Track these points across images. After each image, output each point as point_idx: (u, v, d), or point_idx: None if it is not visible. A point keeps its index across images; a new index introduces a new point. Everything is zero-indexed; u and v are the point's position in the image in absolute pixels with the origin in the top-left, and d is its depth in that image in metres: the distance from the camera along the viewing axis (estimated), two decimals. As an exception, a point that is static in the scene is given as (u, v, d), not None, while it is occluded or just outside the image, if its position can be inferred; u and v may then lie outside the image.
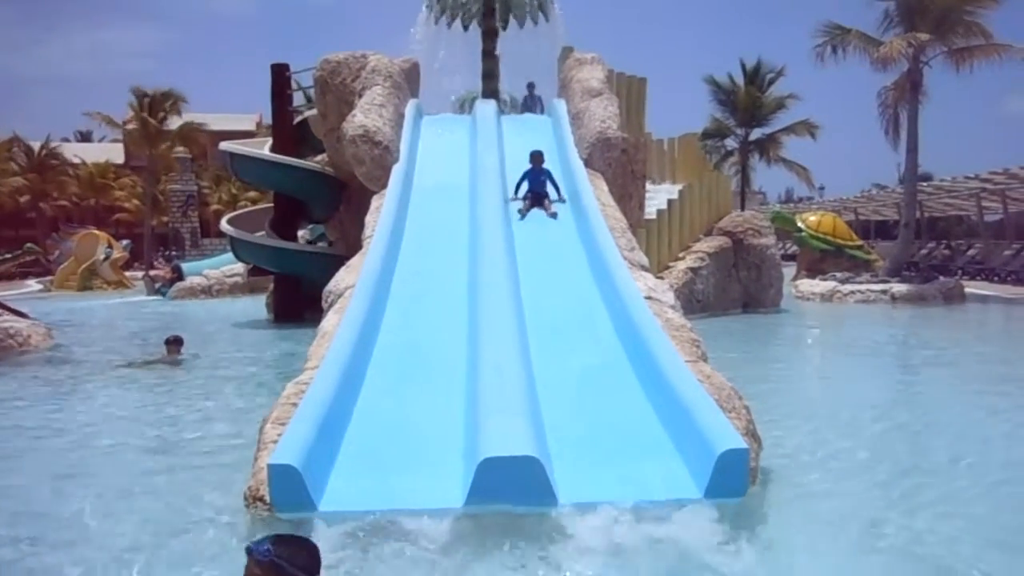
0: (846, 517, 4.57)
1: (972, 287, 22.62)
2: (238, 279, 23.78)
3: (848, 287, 20.27)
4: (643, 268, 8.37)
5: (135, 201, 45.88)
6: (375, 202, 10.02)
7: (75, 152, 48.94)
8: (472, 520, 4.25)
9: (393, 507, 4.32)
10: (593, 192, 9.74)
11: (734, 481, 4.47)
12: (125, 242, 31.88)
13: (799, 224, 24.37)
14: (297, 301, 15.07)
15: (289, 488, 4.34)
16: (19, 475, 5.76)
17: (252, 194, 40.50)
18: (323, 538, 4.08)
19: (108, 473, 5.72)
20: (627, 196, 14.30)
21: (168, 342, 10.66)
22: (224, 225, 17.13)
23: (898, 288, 19.77)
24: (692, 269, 16.17)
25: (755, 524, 4.26)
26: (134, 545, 4.28)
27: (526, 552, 3.93)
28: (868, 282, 20.61)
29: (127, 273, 29.96)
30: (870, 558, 3.97)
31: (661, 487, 4.57)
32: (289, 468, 4.36)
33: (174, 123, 39.17)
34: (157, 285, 24.75)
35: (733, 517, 4.26)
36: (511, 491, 4.38)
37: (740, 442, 4.57)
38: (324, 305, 7.88)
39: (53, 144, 47.23)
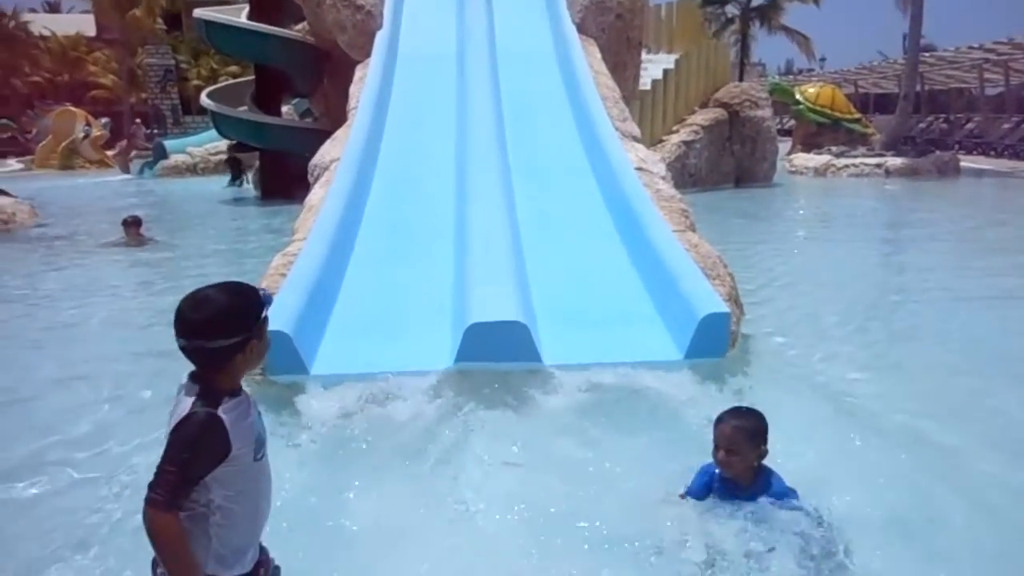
0: (817, 374, 4.76)
1: (968, 161, 22.47)
2: (223, 156, 23.30)
3: (842, 161, 20.10)
4: (635, 139, 8.21)
5: (111, 76, 44.12)
6: (359, 72, 9.66)
7: (44, 24, 46.49)
8: (460, 378, 4.38)
9: (383, 369, 4.43)
10: (586, 59, 9.38)
11: (714, 343, 4.59)
12: (104, 120, 30.95)
13: (797, 96, 23.79)
14: (284, 178, 14.85)
15: (281, 353, 4.41)
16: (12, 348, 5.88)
17: (233, 68, 38.90)
18: (316, 399, 4.24)
19: (100, 341, 5.83)
20: (621, 65, 13.79)
21: (126, 223, 10.05)
22: (204, 99, 16.60)
23: (892, 162, 19.61)
24: (685, 143, 15.93)
25: (731, 382, 4.40)
26: (118, 405, 4.44)
27: (512, 406, 4.08)
28: (863, 156, 20.43)
29: (108, 152, 29.29)
30: (837, 410, 4.14)
31: (644, 349, 4.69)
32: (280, 333, 4.41)
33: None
34: (132, 156, 24.20)
35: (711, 376, 4.40)
36: (498, 354, 4.48)
37: (721, 306, 4.65)
38: (310, 179, 7.77)
39: (22, 18, 44.79)
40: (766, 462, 2.86)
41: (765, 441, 2.82)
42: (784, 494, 2.77)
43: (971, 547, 2.93)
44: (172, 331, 1.88)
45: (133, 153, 27.41)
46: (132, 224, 10.05)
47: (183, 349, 1.89)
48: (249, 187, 18.39)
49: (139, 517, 1.81)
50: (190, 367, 1.92)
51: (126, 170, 24.26)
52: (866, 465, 3.49)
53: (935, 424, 4.01)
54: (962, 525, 3.07)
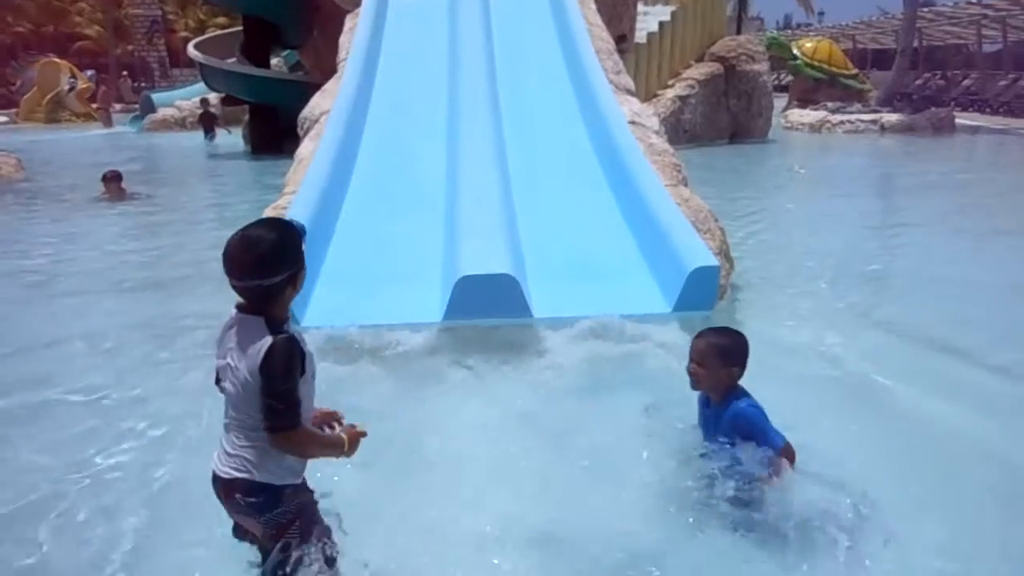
0: (806, 327, 4.81)
1: (964, 118, 22.36)
2: (213, 110, 22.95)
3: (838, 117, 19.98)
4: (628, 92, 8.12)
5: (96, 27, 43.17)
6: (349, 22, 9.47)
7: (25, -28, 45.18)
8: (450, 333, 4.42)
9: (373, 322, 4.44)
10: (580, 10, 9.22)
11: (703, 297, 4.61)
12: (89, 72, 30.39)
13: (795, 51, 23.52)
14: (275, 132, 14.67)
15: (271, 305, 4.44)
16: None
17: (221, 19, 38.14)
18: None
19: (98, 289, 5.84)
20: (617, 17, 13.63)
21: (106, 178, 9.81)
22: (191, 50, 16.30)
23: (888, 118, 19.52)
24: (681, 97, 15.76)
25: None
26: (120, 349, 4.50)
27: (502, 361, 4.12)
28: (858, 112, 20.31)
29: (94, 105, 28.81)
30: (824, 363, 4.20)
31: (633, 302, 4.72)
32: (270, 286, 4.44)
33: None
34: (113, 108, 23.89)
35: (699, 329, 4.41)
36: (488, 307, 4.51)
37: (711, 260, 4.67)
38: (300, 132, 7.69)
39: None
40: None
41: (738, 363, 2.81)
42: (737, 413, 2.74)
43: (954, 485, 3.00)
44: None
45: (119, 107, 26.96)
46: (112, 179, 9.83)
47: (237, 288, 1.97)
48: (223, 141, 18.20)
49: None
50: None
51: (107, 123, 23.84)
52: (852, 415, 3.54)
53: (926, 376, 4.06)
54: (950, 465, 3.15)
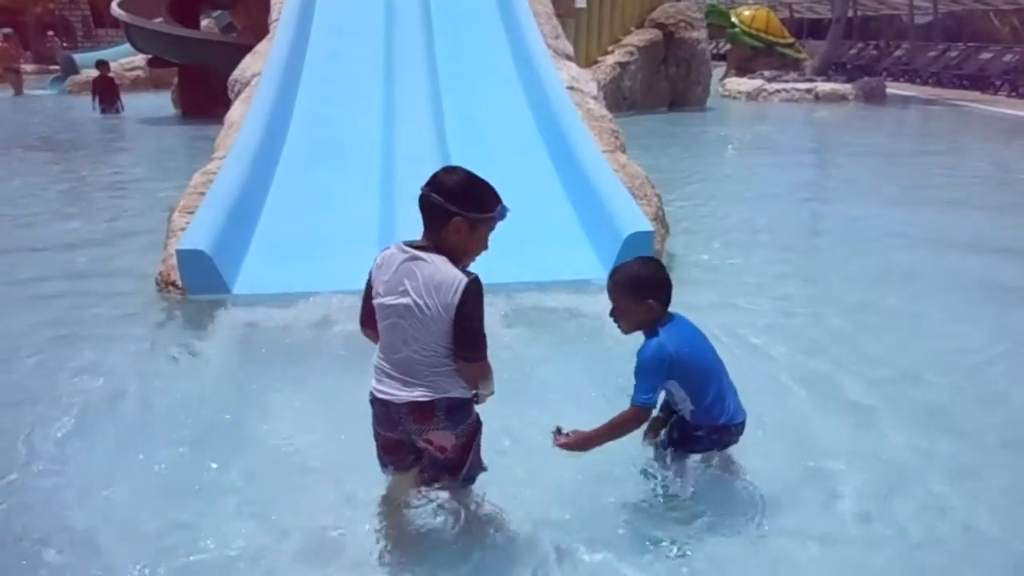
0: (741, 291, 4.93)
1: (895, 88, 22.99)
2: (140, 73, 21.97)
3: (774, 86, 20.31)
4: (567, 57, 8.10)
5: (11, -18, 40.59)
6: (281, -19, 9.14)
7: (-72, -80, 42.06)
8: (385, 299, 4.37)
9: (307, 290, 4.37)
10: (518, -27, 9.09)
11: (638, 261, 4.67)
12: (6, 30, 28.60)
13: (733, 19, 23.71)
14: (205, 95, 14.14)
15: (200, 272, 4.33)
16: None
17: (147, -24, 36.29)
18: (238, 319, 4.18)
19: (20, 265, 5.58)
20: (556, -18, 13.47)
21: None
22: (115, 9, 15.48)
23: (822, 87, 19.93)
24: (620, 64, 15.76)
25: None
26: (48, 325, 4.31)
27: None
28: (794, 81, 20.68)
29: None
30: (758, 325, 4.31)
31: (569, 267, 4.76)
32: (199, 253, 4.32)
33: None
34: (19, 67, 22.23)
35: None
36: (425, 273, 4.47)
37: (646, 225, 4.73)
38: (231, 95, 7.45)
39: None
40: None
41: (652, 295, 2.48)
42: (642, 349, 2.46)
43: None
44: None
45: (31, 68, 25.34)
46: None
47: (422, 195, 2.20)
48: (143, 105, 16.95)
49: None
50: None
51: (18, 90, 21.92)
52: (790, 377, 3.65)
53: (859, 342, 4.20)
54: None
